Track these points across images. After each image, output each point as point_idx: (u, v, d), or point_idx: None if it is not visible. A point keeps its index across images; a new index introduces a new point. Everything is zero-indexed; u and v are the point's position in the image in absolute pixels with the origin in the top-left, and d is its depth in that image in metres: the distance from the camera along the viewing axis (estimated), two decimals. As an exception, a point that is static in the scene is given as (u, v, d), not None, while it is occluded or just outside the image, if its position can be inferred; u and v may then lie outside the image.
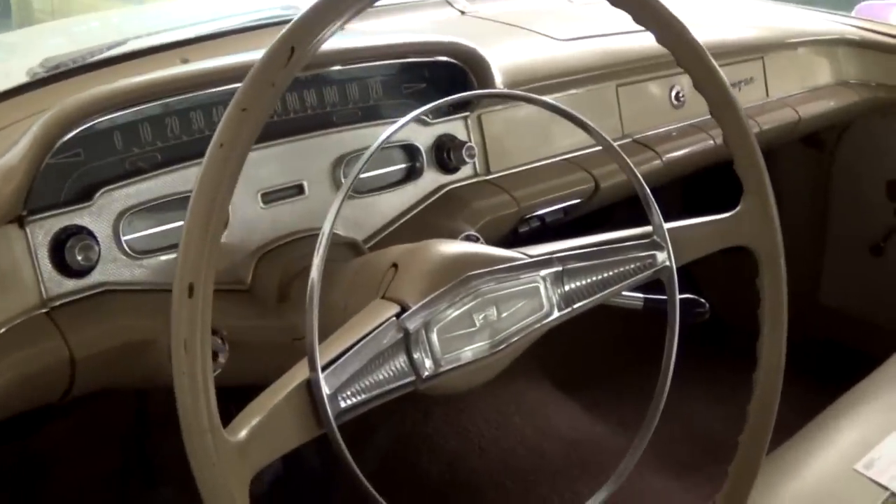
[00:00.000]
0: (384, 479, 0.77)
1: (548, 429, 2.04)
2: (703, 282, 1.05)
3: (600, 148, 1.50)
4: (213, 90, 1.10)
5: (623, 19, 0.96)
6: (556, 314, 0.92)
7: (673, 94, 1.73)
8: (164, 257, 1.08)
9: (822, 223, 2.48)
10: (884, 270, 2.39)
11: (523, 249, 0.94)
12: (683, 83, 1.74)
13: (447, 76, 1.33)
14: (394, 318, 0.81)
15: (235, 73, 1.06)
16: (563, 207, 1.46)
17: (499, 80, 1.37)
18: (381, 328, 0.80)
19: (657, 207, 0.96)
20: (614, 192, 1.53)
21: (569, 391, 2.21)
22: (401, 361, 0.81)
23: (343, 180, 1.20)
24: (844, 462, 1.27)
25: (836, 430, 1.37)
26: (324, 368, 0.74)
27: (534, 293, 0.90)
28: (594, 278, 0.94)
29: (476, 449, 1.94)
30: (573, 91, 1.53)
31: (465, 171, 1.35)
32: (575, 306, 0.93)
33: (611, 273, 0.95)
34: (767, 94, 1.97)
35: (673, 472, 1.90)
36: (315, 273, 0.75)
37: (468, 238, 1.24)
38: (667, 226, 0.97)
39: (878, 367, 1.56)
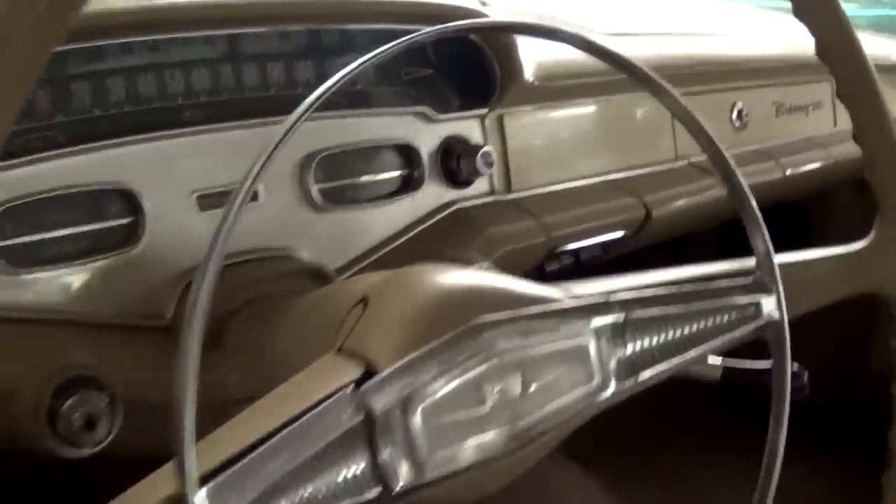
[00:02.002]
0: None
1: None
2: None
3: (654, 169, 1.23)
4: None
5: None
6: (612, 388, 0.60)
7: (735, 112, 1.43)
8: (50, 274, 0.78)
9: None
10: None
11: (566, 285, 0.63)
12: (747, 100, 1.44)
13: (461, 60, 1.03)
14: (351, 388, 0.49)
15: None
16: (604, 242, 1.15)
17: (529, 72, 1.07)
18: (326, 404, 0.48)
19: (766, 232, 0.65)
20: (668, 225, 1.23)
21: (585, 464, 1.89)
22: (358, 464, 0.48)
23: (311, 188, 0.90)
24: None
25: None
26: (205, 479, 0.42)
27: (579, 355, 0.59)
28: (671, 335, 0.63)
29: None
30: (616, 96, 1.22)
31: (480, 185, 1.05)
32: (641, 377, 0.61)
33: (695, 327, 0.64)
34: (835, 123, 1.67)
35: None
36: (198, 305, 0.43)
37: (480, 271, 0.93)
38: (778, 259, 0.66)
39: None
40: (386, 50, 0.58)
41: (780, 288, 0.66)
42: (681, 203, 1.21)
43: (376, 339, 0.54)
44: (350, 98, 0.99)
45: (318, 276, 0.88)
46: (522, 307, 0.57)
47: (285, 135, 0.51)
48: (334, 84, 0.55)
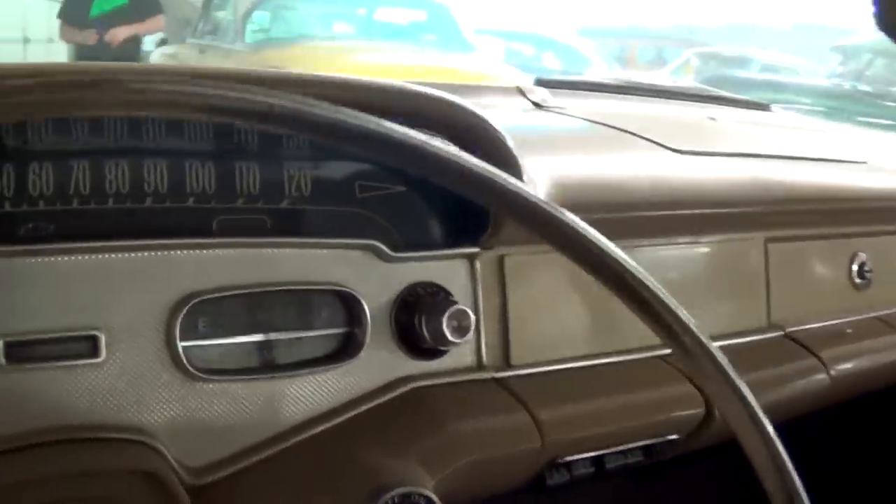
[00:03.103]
0: None
1: None
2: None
3: (731, 343, 0.92)
4: None
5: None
6: None
7: (855, 265, 1.12)
8: None
9: None
10: None
11: None
12: (873, 250, 1.12)
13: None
14: None
15: None
16: (647, 446, 0.81)
17: (543, 191, 0.77)
18: None
19: None
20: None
21: None
22: None
23: (178, 346, 0.63)
24: None
25: None
26: None
27: None
28: None
29: None
30: (688, 239, 0.90)
31: (459, 356, 0.74)
32: None
33: None
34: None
35: None
36: None
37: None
38: None
39: None
40: None
41: None
42: (769, 395, 0.87)
43: None
44: (273, 217, 0.69)
45: (155, 481, 0.61)
46: None
47: None
48: None
